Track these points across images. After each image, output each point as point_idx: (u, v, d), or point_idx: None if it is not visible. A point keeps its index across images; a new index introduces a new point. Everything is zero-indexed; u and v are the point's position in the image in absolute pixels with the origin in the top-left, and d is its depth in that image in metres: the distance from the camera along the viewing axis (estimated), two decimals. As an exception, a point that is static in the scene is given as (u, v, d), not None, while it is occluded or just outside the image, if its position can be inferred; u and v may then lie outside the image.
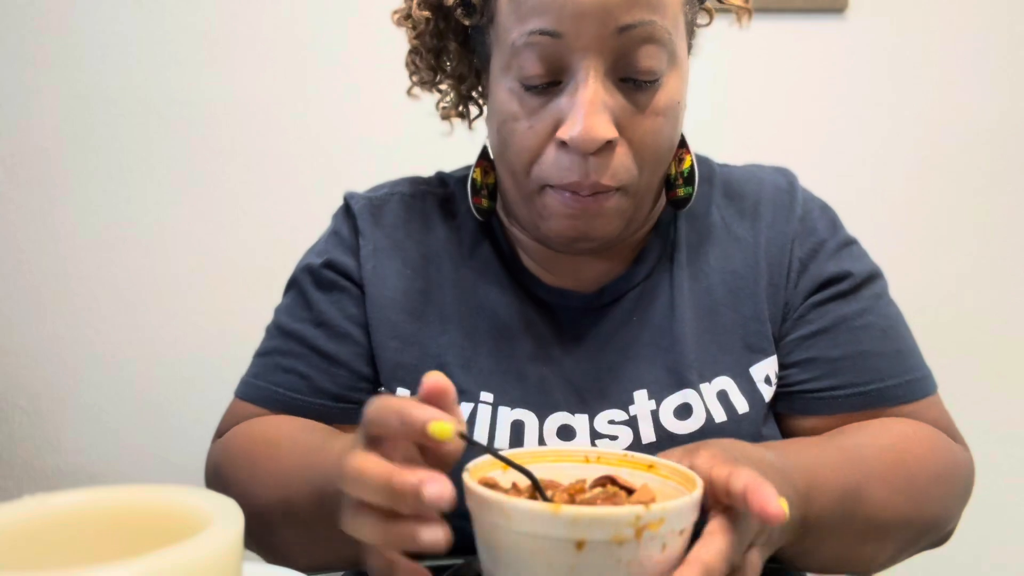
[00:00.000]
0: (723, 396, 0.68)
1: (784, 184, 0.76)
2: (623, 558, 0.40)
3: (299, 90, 1.30)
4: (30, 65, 1.27)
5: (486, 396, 0.68)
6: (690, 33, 0.68)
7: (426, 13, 0.69)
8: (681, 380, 0.68)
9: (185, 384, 1.30)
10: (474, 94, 0.77)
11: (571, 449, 0.53)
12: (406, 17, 0.71)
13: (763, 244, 0.72)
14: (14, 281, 1.30)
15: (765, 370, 0.69)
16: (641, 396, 0.68)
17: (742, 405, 0.68)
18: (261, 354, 0.74)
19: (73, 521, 0.30)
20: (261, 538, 0.61)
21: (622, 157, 0.62)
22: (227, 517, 0.28)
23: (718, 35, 1.07)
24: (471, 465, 0.48)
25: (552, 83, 0.61)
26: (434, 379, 0.44)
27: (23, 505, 0.30)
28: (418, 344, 0.71)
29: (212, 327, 1.30)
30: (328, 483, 0.51)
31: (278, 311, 0.76)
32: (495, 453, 0.46)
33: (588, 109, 0.59)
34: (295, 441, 0.63)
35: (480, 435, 0.66)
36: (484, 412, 0.67)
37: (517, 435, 0.67)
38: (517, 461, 0.51)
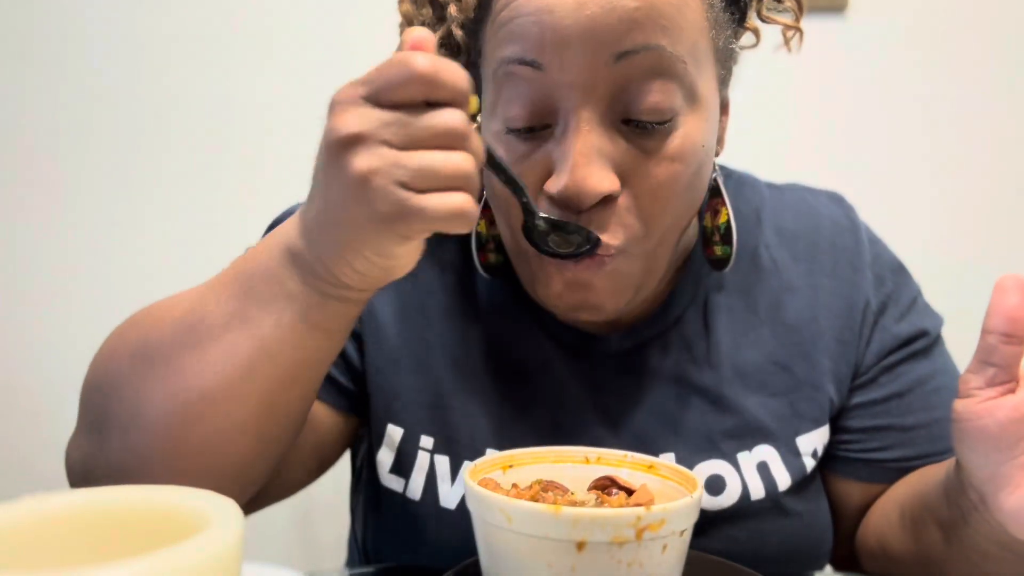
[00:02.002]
0: (763, 468, 0.60)
1: (844, 221, 0.66)
2: (624, 559, 0.40)
3: (301, 90, 1.30)
4: (30, 65, 1.27)
5: (491, 453, 0.59)
6: (721, 60, 0.56)
7: None
8: (714, 447, 0.60)
9: (185, 384, 1.30)
10: None
11: (571, 449, 0.53)
12: None
13: (824, 296, 0.63)
14: (14, 281, 1.30)
15: (814, 443, 0.62)
16: (668, 460, 0.59)
17: (784, 479, 0.60)
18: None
19: (73, 521, 0.30)
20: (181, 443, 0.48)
21: (624, 213, 0.52)
22: (227, 517, 0.28)
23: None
24: (471, 465, 0.48)
25: (542, 126, 0.52)
26: (416, 35, 0.41)
27: (23, 505, 0.30)
28: (417, 373, 0.62)
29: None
30: (292, 241, 0.45)
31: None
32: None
33: (578, 160, 0.49)
34: (192, 291, 0.52)
35: None
36: None
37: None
38: (518, 461, 0.51)
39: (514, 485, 0.49)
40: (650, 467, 0.51)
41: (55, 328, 1.30)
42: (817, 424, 0.62)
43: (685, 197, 0.54)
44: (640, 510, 0.40)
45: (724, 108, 0.60)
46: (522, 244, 0.55)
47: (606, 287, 0.53)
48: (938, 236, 1.33)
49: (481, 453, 0.59)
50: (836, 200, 0.69)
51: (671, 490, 0.48)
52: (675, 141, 0.51)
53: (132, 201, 1.30)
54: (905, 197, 1.33)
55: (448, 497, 0.59)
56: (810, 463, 0.61)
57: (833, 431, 0.64)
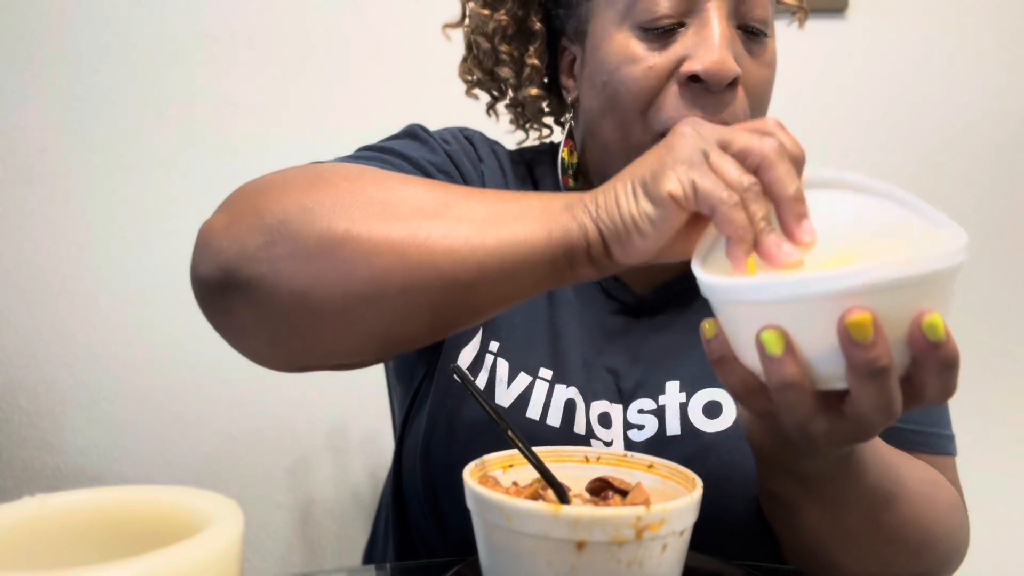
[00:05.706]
0: None
1: None
2: (623, 559, 0.40)
3: (301, 90, 1.30)
4: (30, 65, 1.27)
5: (544, 372, 0.67)
6: None
7: None
8: (715, 378, 0.65)
9: (186, 384, 1.30)
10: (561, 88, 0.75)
11: (571, 449, 0.53)
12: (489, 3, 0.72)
13: None
14: (14, 281, 1.30)
15: None
16: (673, 387, 0.67)
17: None
18: (351, 157, 0.65)
19: (73, 521, 0.30)
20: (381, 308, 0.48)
21: (742, 102, 0.62)
22: (227, 517, 0.28)
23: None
24: (472, 465, 0.48)
25: (676, 25, 0.62)
26: None
27: (23, 505, 0.30)
28: None
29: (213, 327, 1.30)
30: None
31: (377, 145, 0.69)
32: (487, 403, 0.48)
33: (722, 43, 0.60)
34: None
35: (534, 410, 0.66)
36: (541, 387, 0.67)
37: (569, 414, 0.66)
38: (519, 460, 0.51)
39: (514, 483, 0.49)
40: (650, 467, 0.51)
41: (55, 328, 1.30)
42: None
43: (768, 105, 0.66)
44: (640, 510, 0.40)
45: None
46: (638, 137, 0.62)
47: None
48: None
49: (532, 366, 0.67)
50: None
51: (671, 490, 0.48)
52: (769, 51, 0.65)
53: (132, 200, 1.30)
54: (905, 197, 1.33)
55: (502, 397, 0.67)
56: None
57: None
